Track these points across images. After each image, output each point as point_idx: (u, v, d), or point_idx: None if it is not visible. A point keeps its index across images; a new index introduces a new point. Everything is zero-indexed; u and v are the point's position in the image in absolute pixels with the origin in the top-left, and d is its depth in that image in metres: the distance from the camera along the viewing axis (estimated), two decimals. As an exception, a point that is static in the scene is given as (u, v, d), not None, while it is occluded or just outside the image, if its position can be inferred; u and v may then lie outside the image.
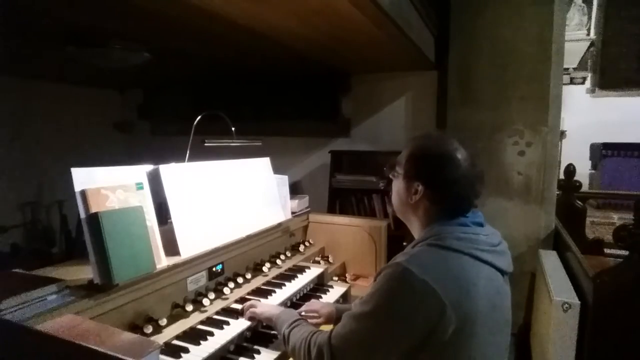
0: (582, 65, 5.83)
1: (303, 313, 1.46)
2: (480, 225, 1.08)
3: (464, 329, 0.91)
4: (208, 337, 1.32)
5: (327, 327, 1.22)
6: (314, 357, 1.08)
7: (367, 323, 0.98)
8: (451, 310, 0.89)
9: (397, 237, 2.37)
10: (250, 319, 1.45)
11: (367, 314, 0.98)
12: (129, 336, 1.01)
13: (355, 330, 1.00)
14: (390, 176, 1.20)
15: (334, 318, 1.43)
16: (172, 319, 1.37)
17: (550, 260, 2.28)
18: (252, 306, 1.47)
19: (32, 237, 3.98)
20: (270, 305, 1.53)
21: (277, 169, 2.13)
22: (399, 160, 1.16)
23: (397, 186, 1.16)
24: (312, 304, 1.55)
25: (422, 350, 0.93)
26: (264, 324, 1.52)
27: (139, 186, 1.37)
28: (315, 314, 1.48)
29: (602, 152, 5.45)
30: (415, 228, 1.14)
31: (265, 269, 1.83)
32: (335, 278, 2.17)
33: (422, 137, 1.18)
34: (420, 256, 0.98)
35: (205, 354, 1.24)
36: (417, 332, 0.92)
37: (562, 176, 3.02)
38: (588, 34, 5.76)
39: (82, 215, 1.19)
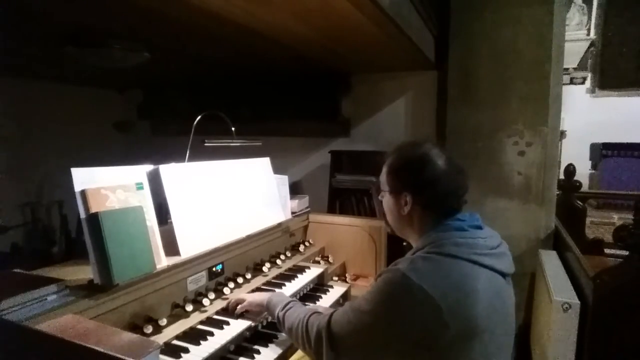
0: (582, 65, 5.83)
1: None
2: (479, 228, 1.08)
3: (464, 334, 0.92)
4: (208, 337, 1.32)
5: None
6: (313, 339, 1.11)
7: (365, 319, 1.01)
8: (448, 315, 0.90)
9: (397, 237, 2.37)
10: (241, 315, 1.45)
11: (365, 312, 1.01)
12: (129, 336, 1.01)
13: (353, 322, 1.03)
14: (380, 198, 1.21)
15: None
16: (172, 319, 1.37)
17: (550, 260, 2.27)
18: (238, 302, 1.47)
19: (32, 237, 3.98)
20: (257, 293, 1.54)
21: (277, 169, 2.13)
22: (381, 180, 1.18)
23: (387, 204, 1.17)
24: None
25: (421, 352, 0.94)
26: (264, 324, 1.52)
27: (139, 186, 1.37)
28: None
29: (602, 152, 5.46)
30: (414, 239, 1.15)
31: (265, 269, 1.83)
32: (335, 278, 2.17)
33: (394, 151, 1.19)
34: (420, 263, 0.98)
35: (205, 354, 1.24)
36: (411, 336, 0.94)
37: (562, 176, 3.02)
38: (588, 34, 5.76)
39: (82, 215, 1.19)
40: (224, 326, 1.40)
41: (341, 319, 1.06)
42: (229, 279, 1.65)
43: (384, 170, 1.17)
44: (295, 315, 1.22)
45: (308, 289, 1.91)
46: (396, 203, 1.13)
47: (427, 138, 1.18)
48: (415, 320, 0.92)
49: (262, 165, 2.06)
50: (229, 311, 1.48)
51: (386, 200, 1.17)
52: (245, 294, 1.54)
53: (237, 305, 1.47)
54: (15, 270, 1.33)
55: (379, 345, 0.99)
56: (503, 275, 1.05)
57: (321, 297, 1.86)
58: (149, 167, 1.46)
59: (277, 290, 1.71)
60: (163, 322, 1.30)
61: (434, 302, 0.90)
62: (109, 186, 1.27)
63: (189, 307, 1.41)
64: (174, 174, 1.53)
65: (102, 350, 0.90)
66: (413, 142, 1.19)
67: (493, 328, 0.97)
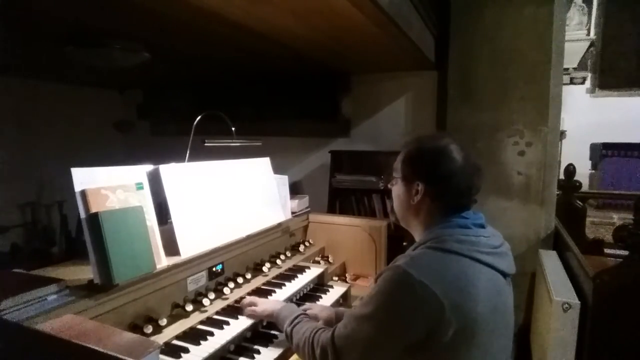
0: (582, 65, 5.83)
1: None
2: (482, 227, 1.08)
3: (465, 331, 0.91)
4: (208, 337, 1.32)
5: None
6: (318, 356, 1.10)
7: (368, 324, 0.99)
8: (450, 311, 0.89)
9: (397, 237, 2.37)
10: (250, 316, 1.46)
11: (367, 316, 0.99)
12: (129, 336, 1.01)
13: (357, 330, 1.01)
14: (389, 186, 1.20)
15: (333, 322, 1.43)
16: (172, 319, 1.37)
17: (550, 260, 2.28)
18: (251, 304, 1.48)
19: (32, 237, 3.97)
20: (269, 301, 1.54)
21: (277, 169, 2.13)
22: (395, 167, 1.17)
23: (397, 191, 1.17)
24: (311, 308, 1.53)
25: (423, 350, 0.93)
26: (265, 324, 1.52)
27: (139, 186, 1.37)
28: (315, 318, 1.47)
29: (602, 152, 5.46)
30: (417, 232, 1.14)
31: (265, 269, 1.83)
32: (335, 278, 2.17)
33: (414, 141, 1.18)
34: (420, 259, 0.98)
35: (205, 354, 1.24)
36: (416, 333, 0.92)
37: (562, 176, 3.02)
38: (588, 34, 5.76)
39: (82, 215, 1.19)
40: (224, 326, 1.40)
41: (344, 330, 1.05)
42: (229, 279, 1.65)
43: (400, 158, 1.16)
44: (302, 333, 1.21)
45: (308, 289, 1.91)
46: (407, 191, 1.12)
47: (447, 133, 1.17)
48: (418, 317, 0.91)
49: (262, 165, 2.06)
50: (242, 306, 1.50)
51: (397, 187, 1.17)
52: (259, 298, 1.53)
53: (250, 305, 1.48)
54: (15, 270, 1.33)
55: (383, 349, 0.97)
56: (504, 275, 1.04)
57: (321, 297, 1.86)
58: (149, 167, 1.46)
59: (277, 290, 1.71)
60: (163, 322, 1.30)
61: (437, 298, 0.90)
62: (109, 186, 1.27)
63: (189, 307, 1.41)
64: (174, 174, 1.53)
65: (102, 350, 0.90)
66: (433, 134, 1.20)
67: (493, 327, 0.97)
